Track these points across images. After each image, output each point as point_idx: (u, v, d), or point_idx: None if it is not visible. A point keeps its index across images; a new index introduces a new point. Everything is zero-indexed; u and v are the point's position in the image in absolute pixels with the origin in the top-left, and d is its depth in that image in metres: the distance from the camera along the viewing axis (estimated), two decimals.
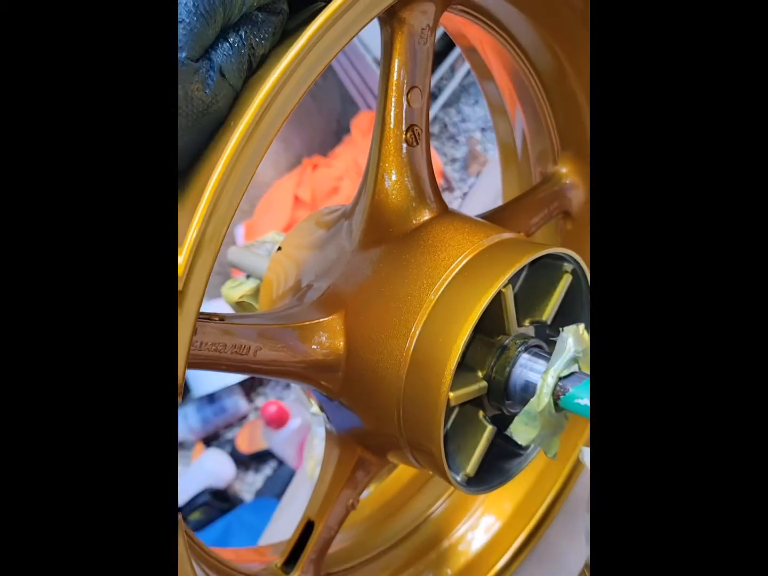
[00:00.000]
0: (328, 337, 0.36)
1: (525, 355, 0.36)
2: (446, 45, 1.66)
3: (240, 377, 1.56)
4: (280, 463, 1.44)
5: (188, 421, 1.50)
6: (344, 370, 0.37)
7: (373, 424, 0.38)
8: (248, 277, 0.57)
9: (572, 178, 0.50)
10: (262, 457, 1.48)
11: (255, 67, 0.26)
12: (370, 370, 0.36)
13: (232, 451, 1.50)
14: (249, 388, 1.65)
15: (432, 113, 1.73)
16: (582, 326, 0.36)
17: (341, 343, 0.36)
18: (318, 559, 0.43)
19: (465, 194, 1.58)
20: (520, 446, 0.41)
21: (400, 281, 0.35)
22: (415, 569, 0.50)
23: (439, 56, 1.66)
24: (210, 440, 1.58)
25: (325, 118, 1.77)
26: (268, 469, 1.50)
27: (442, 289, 0.34)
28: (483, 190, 0.89)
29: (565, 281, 0.38)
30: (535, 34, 0.45)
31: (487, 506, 0.53)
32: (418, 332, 0.34)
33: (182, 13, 0.22)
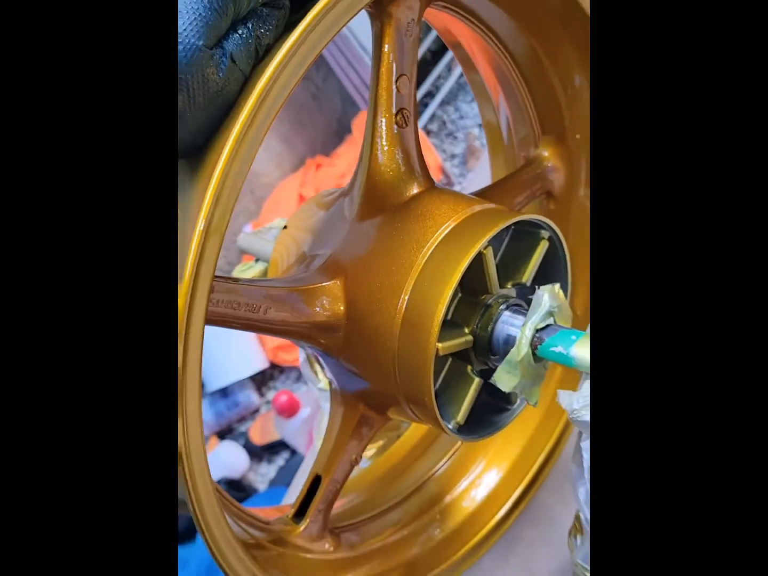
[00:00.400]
0: (330, 300, 0.40)
1: (506, 312, 0.40)
2: (443, 45, 1.70)
3: (251, 371, 1.61)
4: (293, 453, 1.49)
5: (202, 416, 1.55)
6: (344, 329, 0.41)
7: (372, 380, 0.43)
8: (257, 260, 0.61)
9: (553, 161, 0.54)
10: (275, 448, 1.53)
11: (262, 55, 0.30)
12: (367, 329, 0.40)
13: (245, 443, 1.55)
14: (260, 383, 1.70)
15: (430, 111, 1.77)
16: (557, 285, 0.39)
17: (341, 304, 0.40)
18: (325, 510, 0.48)
19: (464, 189, 1.62)
20: (507, 401, 0.45)
21: (394, 247, 0.39)
22: (419, 523, 0.54)
23: (436, 55, 1.70)
24: (224, 433, 1.63)
25: (326, 119, 1.82)
26: (280, 460, 1.54)
27: (429, 252, 0.38)
28: (477, 181, 0.93)
29: (542, 247, 0.42)
30: (514, 30, 0.49)
31: (486, 465, 0.57)
32: (409, 292, 0.38)
33: (199, 8, 0.27)
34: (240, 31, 0.29)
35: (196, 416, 0.34)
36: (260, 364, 1.62)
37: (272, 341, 1.60)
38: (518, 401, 0.45)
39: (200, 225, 0.28)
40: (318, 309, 0.40)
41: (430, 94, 1.78)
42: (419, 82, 1.71)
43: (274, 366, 1.68)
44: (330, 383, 0.48)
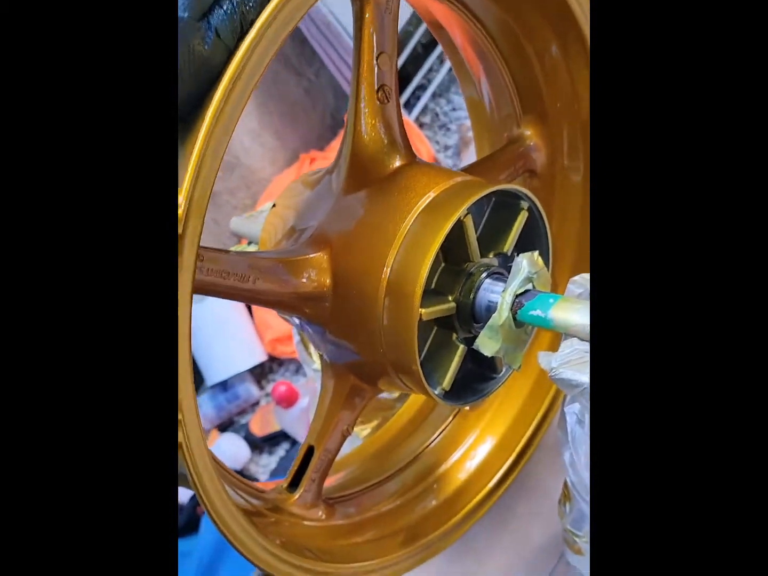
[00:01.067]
0: (316, 271, 0.42)
1: (488, 280, 0.41)
2: (434, 38, 1.71)
3: (250, 364, 1.63)
4: (293, 443, 1.51)
5: (203, 409, 1.57)
6: (331, 300, 0.42)
7: (360, 350, 0.44)
8: (250, 243, 0.63)
9: (535, 140, 0.55)
10: (275, 439, 1.55)
11: (246, 30, 0.32)
12: (353, 299, 0.41)
13: (246, 435, 1.57)
14: (259, 375, 1.71)
15: (422, 103, 1.78)
16: (536, 253, 0.41)
17: (327, 275, 0.42)
18: (319, 479, 0.49)
19: None
20: (492, 370, 0.46)
21: (377, 219, 0.41)
22: (414, 492, 0.55)
23: (427, 48, 1.71)
24: (225, 426, 1.65)
25: (319, 114, 1.83)
26: (281, 450, 1.57)
27: (411, 222, 0.40)
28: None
29: (522, 217, 0.44)
30: (492, 11, 0.50)
31: (479, 436, 0.58)
32: (392, 261, 0.40)
33: None
34: (225, 7, 0.31)
35: (192, 406, 0.34)
36: (259, 357, 1.64)
37: (270, 334, 1.62)
38: (503, 369, 0.46)
39: (189, 173, 0.30)
40: (305, 280, 0.42)
41: (422, 87, 1.79)
42: (411, 76, 1.72)
43: (272, 359, 1.70)
44: (321, 356, 0.49)
